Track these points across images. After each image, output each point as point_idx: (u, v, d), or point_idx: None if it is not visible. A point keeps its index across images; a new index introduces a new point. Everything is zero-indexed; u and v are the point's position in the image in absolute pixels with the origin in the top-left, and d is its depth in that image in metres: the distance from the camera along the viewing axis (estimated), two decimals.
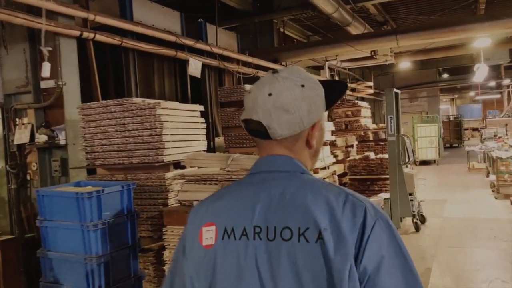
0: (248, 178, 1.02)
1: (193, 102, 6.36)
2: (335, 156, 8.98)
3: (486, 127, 17.43)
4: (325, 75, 11.25)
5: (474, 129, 30.87)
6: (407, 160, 6.77)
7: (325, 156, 7.44)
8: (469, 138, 27.93)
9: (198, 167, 3.33)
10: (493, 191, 9.10)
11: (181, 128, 3.60)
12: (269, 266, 0.90)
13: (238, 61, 7.30)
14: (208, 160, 3.25)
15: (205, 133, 3.99)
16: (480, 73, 9.47)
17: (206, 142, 3.98)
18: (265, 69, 7.96)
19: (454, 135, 23.49)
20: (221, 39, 7.09)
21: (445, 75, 21.24)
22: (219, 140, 6.30)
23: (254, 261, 0.91)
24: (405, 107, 19.97)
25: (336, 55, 10.72)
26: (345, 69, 13.19)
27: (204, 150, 3.95)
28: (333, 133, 12.03)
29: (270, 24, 8.80)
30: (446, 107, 33.00)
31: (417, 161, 15.05)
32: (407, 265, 0.88)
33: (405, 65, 13.75)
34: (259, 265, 0.90)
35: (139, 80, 5.14)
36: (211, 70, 6.75)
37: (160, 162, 3.37)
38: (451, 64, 18.41)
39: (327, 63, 11.09)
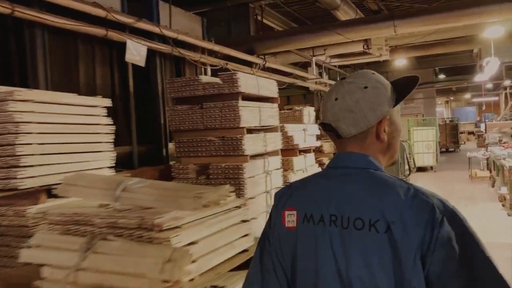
0: (327, 172, 1.13)
1: (139, 98, 5.03)
2: (322, 164, 7.69)
3: (486, 131, 16.27)
4: (313, 72, 9.97)
5: (470, 133, 29.87)
6: (407, 171, 5.52)
7: (308, 165, 6.16)
8: (464, 142, 26.84)
9: (78, 198, 2.02)
10: (503, 205, 7.88)
11: (61, 133, 2.28)
12: (342, 249, 1.00)
13: (203, 50, 5.98)
14: (90, 187, 1.93)
15: (111, 139, 2.68)
16: (490, 68, 8.25)
17: (113, 153, 2.67)
18: (239, 60, 6.67)
19: (450, 139, 22.39)
20: (181, 23, 5.78)
21: (442, 76, 20.09)
22: (172, 147, 4.98)
23: (329, 244, 1.01)
24: (400, 110, 18.69)
25: (325, 49, 9.46)
26: (335, 66, 11.93)
27: (111, 166, 2.63)
28: (320, 137, 10.82)
29: (245, 10, 7.49)
30: (441, 109, 31.91)
31: (413, 168, 13.80)
32: (482, 255, 0.93)
33: (400, 63, 12.53)
34: (334, 247, 1.01)
35: (51, 66, 3.80)
36: (165, 59, 5.42)
37: (15, 188, 2.05)
38: (448, 64, 17.27)
39: (314, 59, 9.81)
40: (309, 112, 10.61)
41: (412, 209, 0.96)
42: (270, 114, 4.66)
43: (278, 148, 4.78)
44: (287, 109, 10.64)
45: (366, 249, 0.97)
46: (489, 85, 19.87)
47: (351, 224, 1.00)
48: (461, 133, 25.09)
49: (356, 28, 6.50)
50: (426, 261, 0.92)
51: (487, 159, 11.21)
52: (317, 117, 12.53)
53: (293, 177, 5.47)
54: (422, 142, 14.04)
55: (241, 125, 3.94)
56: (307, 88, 11.89)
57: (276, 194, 1.17)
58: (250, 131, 4.19)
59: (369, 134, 1.09)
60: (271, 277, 1.11)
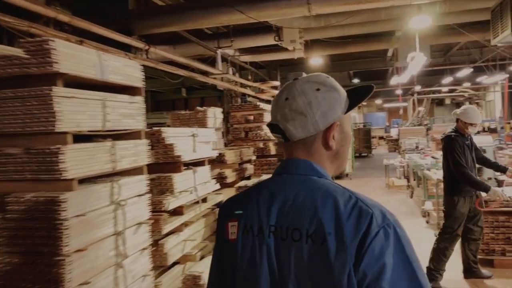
0: (271, 179, 1.07)
1: None
2: (223, 178, 6.19)
3: (399, 137, 16.04)
4: (218, 67, 8.48)
5: (380, 138, 30.54)
6: None
7: (201, 182, 4.63)
8: (376, 146, 27.21)
9: None
10: (427, 222, 7.01)
11: None
12: (279, 262, 0.96)
13: (49, 22, 4.19)
14: None
15: None
16: (414, 65, 7.40)
17: None
18: (112, 43, 4.98)
19: (363, 144, 22.32)
20: None
21: (356, 80, 19.81)
22: None
23: (267, 257, 0.98)
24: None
25: (232, 41, 8.04)
26: (246, 63, 10.59)
27: None
28: (230, 142, 9.40)
29: None
30: (353, 115, 32.35)
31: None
32: (413, 276, 0.88)
33: (316, 62, 11.54)
34: (271, 260, 0.97)
35: None
36: None
37: None
38: (362, 67, 16.84)
39: (219, 51, 8.34)
40: (215, 114, 9.03)
41: (350, 220, 0.91)
42: (127, 112, 3.06)
43: (141, 164, 3.20)
44: (188, 111, 9.09)
45: (301, 262, 0.93)
46: (399, 91, 20.00)
47: (289, 235, 0.96)
48: (373, 138, 25.32)
49: (261, 5, 5.13)
50: (356, 273, 0.88)
51: (404, 166, 10.55)
52: (225, 120, 11.15)
53: (173, 203, 3.91)
54: None
55: (59, 129, 2.34)
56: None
57: (221, 206, 1.14)
58: (86, 138, 2.59)
59: (317, 139, 1.05)
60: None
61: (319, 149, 1.05)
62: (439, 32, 9.04)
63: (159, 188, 3.93)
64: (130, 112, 3.11)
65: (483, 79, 16.34)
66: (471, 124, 4.19)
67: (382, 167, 11.87)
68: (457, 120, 4.28)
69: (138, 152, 3.15)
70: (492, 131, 15.26)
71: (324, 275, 0.89)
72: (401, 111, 26.83)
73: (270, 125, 1.08)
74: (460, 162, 4.09)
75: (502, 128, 14.28)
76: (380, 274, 0.86)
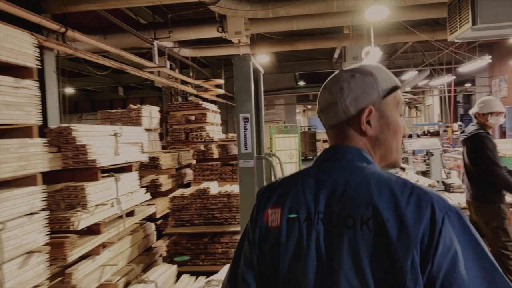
0: (315, 166, 1.04)
1: None
2: (157, 185, 5.37)
3: None
4: (155, 60, 7.60)
5: (324, 141, 30.71)
6: None
7: (122, 194, 3.79)
8: (320, 150, 27.26)
9: None
10: None
11: None
12: (327, 248, 0.92)
13: None
14: None
15: None
16: (371, 59, 6.96)
17: None
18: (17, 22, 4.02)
19: (309, 147, 22.15)
20: None
21: (301, 83, 19.54)
22: None
23: (315, 243, 0.93)
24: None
25: (170, 32, 7.23)
26: (187, 58, 9.78)
27: None
28: (169, 145, 8.53)
29: None
30: (298, 118, 32.32)
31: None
32: (483, 255, 0.84)
33: (262, 59, 10.95)
34: (319, 246, 0.93)
35: None
36: None
37: None
38: (308, 69, 16.55)
39: (156, 43, 7.48)
40: (150, 113, 8.10)
41: (410, 206, 0.86)
42: (9, 99, 2.22)
43: (32, 171, 2.37)
44: (120, 109, 8.13)
45: (356, 249, 0.88)
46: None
47: (340, 221, 0.92)
48: (318, 141, 25.35)
49: None
50: (427, 263, 0.82)
51: None
52: (164, 120, 10.24)
53: (85, 220, 3.07)
54: (285, 151, 12.71)
55: None
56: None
57: (258, 193, 1.09)
58: None
59: (352, 125, 1.01)
60: (242, 284, 1.03)
61: (356, 135, 1.01)
62: (389, 32, 8.74)
63: (68, 202, 3.07)
64: (15, 101, 2.26)
65: (426, 83, 16.58)
66: (493, 114, 3.59)
67: None
68: (476, 117, 3.73)
69: (27, 156, 2.31)
70: (433, 134, 15.52)
71: (383, 262, 0.85)
72: None
73: (318, 114, 1.08)
74: (495, 161, 3.47)
75: (445, 131, 14.45)
76: (456, 261, 0.82)
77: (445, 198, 0.89)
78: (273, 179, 3.79)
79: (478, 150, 3.55)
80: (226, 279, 1.08)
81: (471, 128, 3.76)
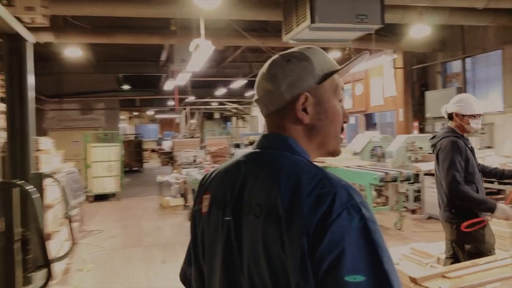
0: (247, 154, 1.02)
1: None
2: None
3: (173, 150, 14.81)
4: None
5: (153, 150, 29.22)
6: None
7: None
8: (148, 160, 25.67)
9: None
10: None
11: None
12: (237, 238, 0.93)
13: None
14: None
15: None
16: (201, 54, 5.96)
17: None
18: None
19: (134, 157, 20.38)
20: None
21: (126, 86, 17.80)
22: None
23: (226, 232, 0.95)
24: (77, 121, 15.25)
25: None
26: None
27: None
28: None
29: None
30: (123, 126, 30.08)
31: (90, 197, 10.51)
32: (378, 263, 0.78)
33: (74, 54, 9.16)
34: (229, 236, 0.94)
35: None
36: None
37: None
38: (134, 72, 15.04)
39: None
40: None
41: (310, 198, 0.83)
42: None
43: None
44: None
45: (258, 239, 0.88)
46: (171, 102, 19.03)
47: (251, 210, 0.91)
48: (144, 150, 23.73)
49: None
50: (313, 257, 0.79)
51: (181, 183, 9.19)
52: None
53: None
54: (102, 163, 10.94)
55: None
56: None
57: (203, 177, 1.11)
58: None
59: (288, 112, 0.98)
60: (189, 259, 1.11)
61: (291, 123, 0.98)
62: (219, 33, 8.04)
63: None
64: None
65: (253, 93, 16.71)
66: (473, 116, 3.02)
67: (155, 183, 10.25)
68: (451, 117, 3.10)
69: None
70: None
71: (278, 252, 0.83)
72: (178, 120, 25.90)
73: (255, 101, 1.05)
74: (455, 175, 2.88)
75: None
76: (340, 260, 0.77)
77: (357, 194, 0.84)
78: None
79: (443, 159, 2.98)
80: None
81: (441, 131, 3.17)
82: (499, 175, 3.29)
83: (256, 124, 25.07)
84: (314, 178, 0.85)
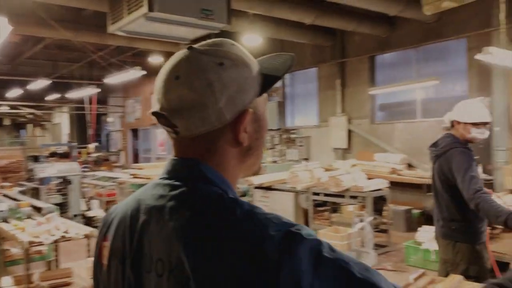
0: (148, 187, 0.81)
1: None
2: None
3: None
4: None
5: None
6: None
7: None
8: None
9: None
10: None
11: None
12: None
13: None
14: None
15: None
16: None
17: None
18: None
19: None
20: None
21: None
22: None
23: None
24: None
25: None
26: None
27: None
28: None
29: None
30: None
31: None
32: None
33: None
34: None
35: None
36: None
37: None
38: None
39: None
40: None
41: (229, 243, 0.65)
42: None
43: None
44: None
45: None
46: None
47: (153, 267, 0.72)
48: None
49: None
50: None
51: None
52: None
53: None
54: None
55: None
56: None
57: (104, 218, 0.87)
58: None
59: (224, 134, 0.76)
60: None
61: (225, 147, 0.77)
62: (22, 20, 6.38)
63: None
64: None
65: (61, 96, 14.47)
66: (476, 125, 2.74)
67: None
68: (453, 125, 2.85)
69: None
70: (63, 156, 13.61)
71: None
72: None
73: (155, 114, 0.76)
74: (476, 183, 2.60)
75: (79, 153, 12.79)
76: None
77: (297, 228, 0.66)
78: None
79: (456, 170, 2.69)
80: None
81: (446, 140, 2.83)
82: None
83: (59, 133, 22.08)
84: (232, 216, 0.68)
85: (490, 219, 2.70)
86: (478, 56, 4.75)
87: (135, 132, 15.53)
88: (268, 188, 6.86)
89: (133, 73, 6.39)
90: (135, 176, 7.27)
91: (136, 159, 14.90)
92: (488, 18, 6.36)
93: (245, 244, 0.65)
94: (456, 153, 2.76)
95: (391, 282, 0.69)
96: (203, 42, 0.79)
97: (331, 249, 0.66)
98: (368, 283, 0.64)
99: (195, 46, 0.78)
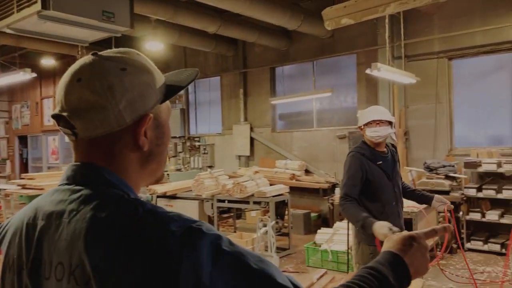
0: (46, 195, 0.80)
1: None
2: None
3: None
4: None
5: None
6: None
7: None
8: None
9: None
10: None
11: None
12: None
13: None
14: None
15: None
16: None
17: None
18: None
19: None
20: None
21: None
22: None
23: None
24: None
25: None
26: None
27: None
28: None
29: None
30: None
31: None
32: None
33: None
34: None
35: None
36: None
37: None
38: None
39: None
40: None
41: (131, 240, 0.66)
42: None
43: None
44: None
45: None
46: None
47: (52, 272, 0.71)
48: None
49: None
50: None
51: None
52: None
53: None
54: None
55: None
56: None
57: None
58: None
59: (122, 138, 0.76)
60: None
61: (124, 151, 0.77)
62: None
63: None
64: None
65: None
66: (368, 125, 2.90)
67: None
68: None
69: None
70: None
71: None
72: None
73: (55, 116, 0.76)
74: (349, 187, 2.82)
75: None
76: None
77: (197, 224, 0.70)
78: None
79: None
80: None
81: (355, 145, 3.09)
82: (417, 197, 3.16)
83: None
84: (133, 215, 0.69)
85: (352, 223, 2.94)
86: (368, 71, 5.21)
87: (23, 139, 14.20)
88: (172, 197, 6.75)
89: (22, 75, 5.86)
90: (24, 187, 6.64)
91: (24, 169, 13.62)
92: (375, 37, 7.03)
93: (147, 240, 0.66)
94: (348, 157, 2.97)
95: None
96: (109, 50, 0.81)
97: (230, 243, 0.70)
98: (263, 273, 0.69)
99: (100, 52, 0.79)
